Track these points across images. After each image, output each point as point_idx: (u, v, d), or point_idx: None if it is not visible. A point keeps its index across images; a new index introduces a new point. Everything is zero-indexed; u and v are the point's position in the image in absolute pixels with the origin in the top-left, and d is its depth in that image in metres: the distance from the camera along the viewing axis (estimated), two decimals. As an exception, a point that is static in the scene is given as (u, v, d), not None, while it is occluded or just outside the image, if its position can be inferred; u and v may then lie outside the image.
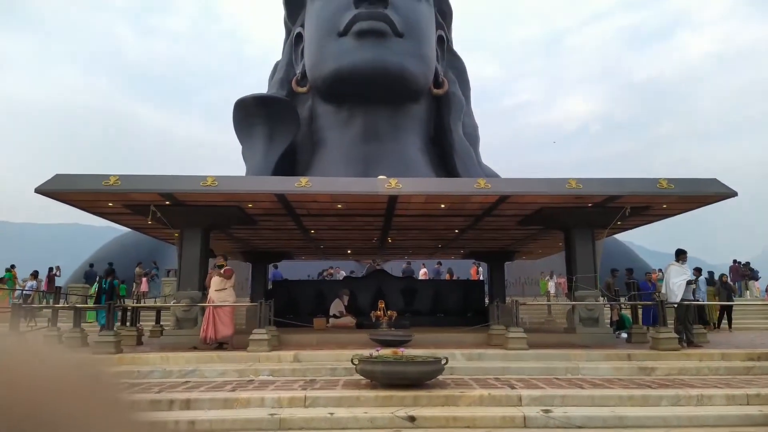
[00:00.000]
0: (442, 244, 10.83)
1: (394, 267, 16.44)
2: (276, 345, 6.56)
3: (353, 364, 4.68)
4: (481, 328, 7.74)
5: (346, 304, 10.25)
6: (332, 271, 15.69)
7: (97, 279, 10.47)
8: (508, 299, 11.35)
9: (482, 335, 7.40)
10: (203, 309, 6.76)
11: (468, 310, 11.67)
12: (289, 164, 16.82)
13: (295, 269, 17.61)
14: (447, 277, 15.44)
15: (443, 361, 4.33)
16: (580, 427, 3.56)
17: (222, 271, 6.75)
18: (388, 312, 9.02)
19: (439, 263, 15.68)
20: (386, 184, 6.23)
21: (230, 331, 6.48)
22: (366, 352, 4.80)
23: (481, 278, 14.61)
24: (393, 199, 6.81)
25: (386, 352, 4.73)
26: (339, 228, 8.85)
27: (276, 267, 14.61)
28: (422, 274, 14.87)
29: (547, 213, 7.34)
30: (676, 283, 6.56)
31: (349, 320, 9.79)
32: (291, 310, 11.29)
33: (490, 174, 17.77)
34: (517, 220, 8.09)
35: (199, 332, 6.63)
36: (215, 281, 6.63)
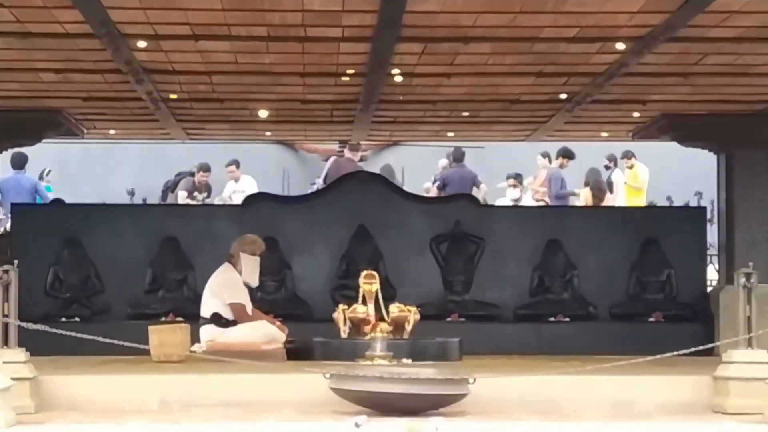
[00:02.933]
0: (575, 92, 11.18)
1: (412, 162, 17.72)
2: (29, 410, 6.92)
3: None
4: (692, 358, 8.02)
5: (254, 282, 10.48)
6: (204, 178, 16.76)
7: None
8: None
9: (696, 382, 7.73)
10: None
11: (650, 303, 12.47)
12: None
13: (87, 172, 17.89)
14: (588, 197, 16.62)
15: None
16: None
17: None
18: (392, 308, 9.59)
19: (564, 155, 16.90)
20: None
21: None
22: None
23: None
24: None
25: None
26: (230, 21, 8.88)
27: (20, 166, 15.46)
28: (428, 189, 16.69)
29: None
30: None
31: (266, 332, 10.19)
32: (76, 298, 12.19)
33: None
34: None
35: None
36: None
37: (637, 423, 6.77)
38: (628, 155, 16.87)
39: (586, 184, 16.61)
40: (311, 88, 11.04)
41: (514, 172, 17.09)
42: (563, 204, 16.28)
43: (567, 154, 16.68)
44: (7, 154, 13.68)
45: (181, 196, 16.30)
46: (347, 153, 16.75)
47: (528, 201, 16.98)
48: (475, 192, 15.87)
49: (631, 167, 16.86)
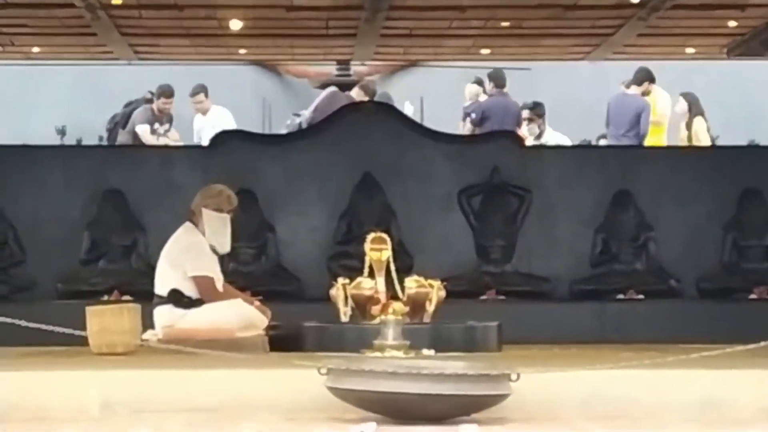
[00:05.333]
0: None
1: (437, 91, 17.83)
2: None
3: None
4: None
5: (225, 248, 10.57)
6: (166, 104, 16.78)
7: None
8: None
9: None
10: None
11: (751, 274, 12.55)
12: None
13: (3, 104, 18.25)
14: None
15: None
16: None
17: None
18: (409, 282, 9.62)
19: (647, 79, 16.72)
20: None
21: None
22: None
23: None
24: None
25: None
26: None
27: None
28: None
29: None
30: None
31: (241, 314, 10.27)
32: None
33: None
34: None
35: None
36: None
37: (733, 431, 6.76)
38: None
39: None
40: (300, -10, 11.03)
41: (532, 101, 16.98)
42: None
43: (649, 78, 16.55)
44: None
45: (143, 131, 16.22)
46: (355, 92, 16.77)
47: (553, 139, 16.94)
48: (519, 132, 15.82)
49: (647, 94, 16.76)
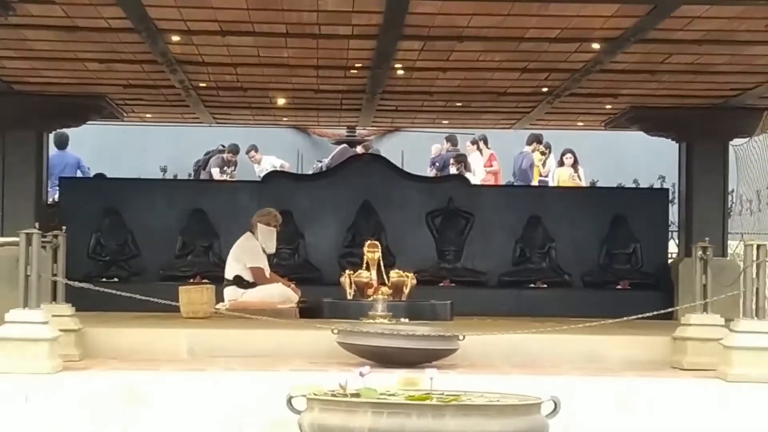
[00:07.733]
0: (555, 86, 11.26)
1: (413, 147, 17.76)
2: (74, 358, 7.02)
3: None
4: (654, 321, 8.11)
5: (271, 249, 10.51)
6: (233, 158, 17.07)
7: None
8: (733, 245, 12.06)
9: (657, 341, 7.83)
10: None
11: (618, 272, 12.67)
12: None
13: (125, 150, 17.95)
14: (571, 178, 16.63)
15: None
16: None
17: None
18: (392, 273, 9.71)
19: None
20: None
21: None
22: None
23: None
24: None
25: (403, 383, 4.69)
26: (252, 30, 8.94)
27: (62, 145, 15.55)
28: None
29: None
30: None
31: (281, 293, 10.26)
32: (115, 261, 12.29)
33: None
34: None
35: None
36: None
37: (604, 376, 6.81)
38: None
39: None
40: (323, 80, 11.03)
41: (456, 154, 17.10)
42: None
43: (536, 140, 16.76)
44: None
45: (215, 172, 16.55)
46: (359, 148, 17.08)
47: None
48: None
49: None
